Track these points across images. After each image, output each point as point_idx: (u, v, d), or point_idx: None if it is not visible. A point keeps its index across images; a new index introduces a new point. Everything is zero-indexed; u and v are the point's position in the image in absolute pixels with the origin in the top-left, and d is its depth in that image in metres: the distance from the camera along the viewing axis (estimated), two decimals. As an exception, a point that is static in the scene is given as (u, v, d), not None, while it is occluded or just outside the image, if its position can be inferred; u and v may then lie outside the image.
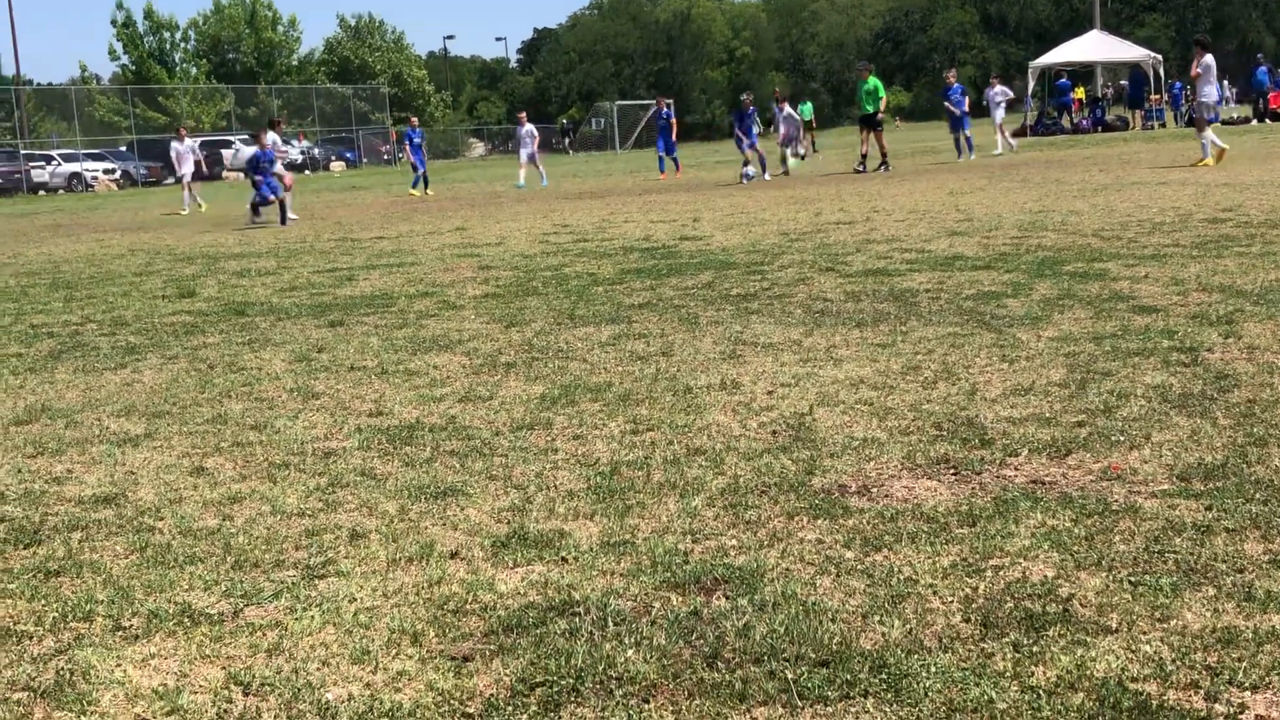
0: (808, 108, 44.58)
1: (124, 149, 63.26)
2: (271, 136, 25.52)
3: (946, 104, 31.23)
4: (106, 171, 58.03)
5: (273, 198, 22.32)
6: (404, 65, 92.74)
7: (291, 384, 7.35)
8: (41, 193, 54.84)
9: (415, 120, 36.59)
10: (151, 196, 42.91)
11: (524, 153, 32.91)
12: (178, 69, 78.38)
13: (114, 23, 76.92)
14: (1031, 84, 47.73)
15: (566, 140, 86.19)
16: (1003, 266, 10.30)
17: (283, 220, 22.25)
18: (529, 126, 33.12)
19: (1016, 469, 4.81)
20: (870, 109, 27.55)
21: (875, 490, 4.64)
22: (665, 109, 32.94)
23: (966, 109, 30.92)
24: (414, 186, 32.47)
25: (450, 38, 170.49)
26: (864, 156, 27.52)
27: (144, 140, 64.96)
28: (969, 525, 4.21)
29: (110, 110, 70.96)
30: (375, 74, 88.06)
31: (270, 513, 4.82)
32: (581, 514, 4.58)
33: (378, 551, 4.30)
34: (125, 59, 77.59)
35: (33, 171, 56.43)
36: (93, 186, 56.74)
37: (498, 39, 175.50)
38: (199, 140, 34.46)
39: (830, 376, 6.59)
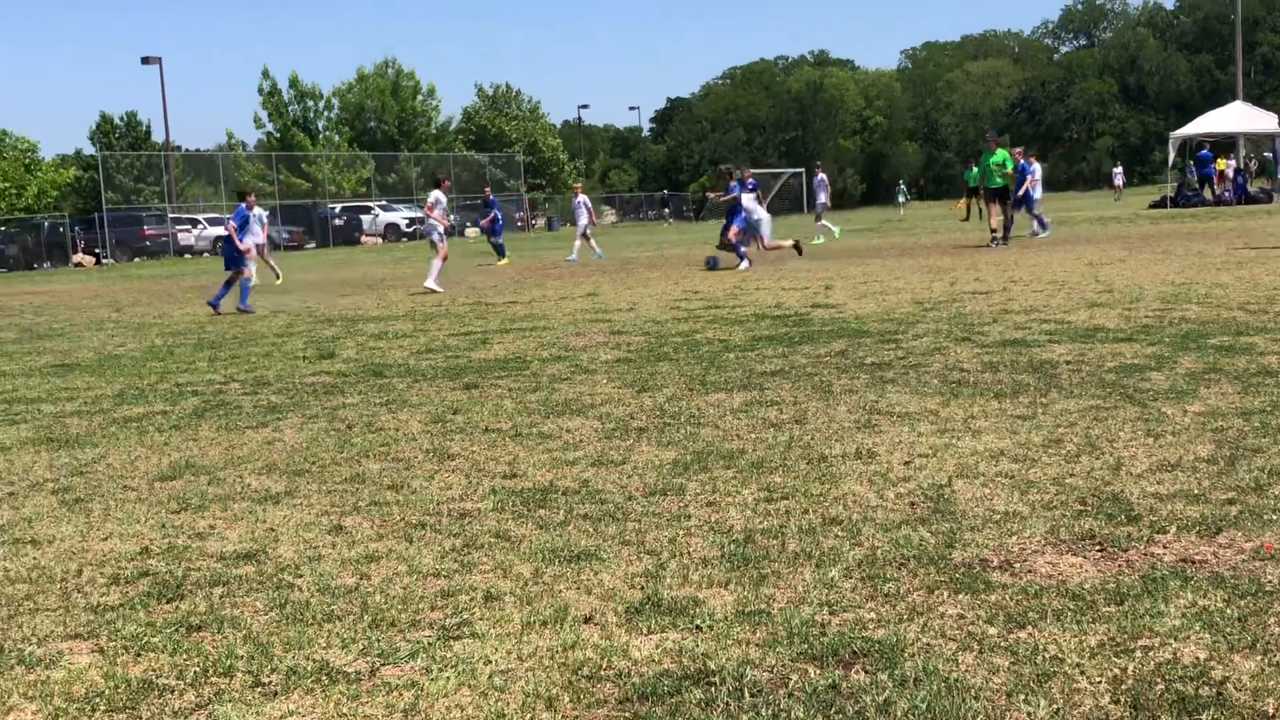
0: (972, 173, 44.14)
1: (267, 214, 64.96)
2: (253, 209, 22.67)
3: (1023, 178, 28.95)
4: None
5: (237, 268, 19.75)
6: (539, 134, 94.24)
7: (427, 445, 7.43)
8: (187, 255, 56.56)
9: (489, 190, 36.63)
10: (294, 261, 43.97)
11: (580, 224, 32.48)
12: (320, 136, 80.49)
13: (260, 91, 79.40)
14: (1172, 155, 46.90)
15: (667, 210, 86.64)
16: (1145, 339, 10.07)
17: (216, 298, 19.55)
18: (583, 198, 33.07)
19: (1165, 546, 4.67)
20: (1000, 182, 26.39)
21: (1018, 565, 4.53)
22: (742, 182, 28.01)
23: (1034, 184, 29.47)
24: (502, 257, 32.48)
25: (585, 107, 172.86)
26: (993, 230, 26.30)
27: (286, 205, 66.71)
28: (1116, 603, 4.08)
29: (255, 176, 73.03)
30: (511, 142, 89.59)
31: (407, 572, 4.85)
32: (716, 582, 4.53)
33: (512, 614, 4.30)
34: (270, 126, 79.95)
35: (179, 234, 58.23)
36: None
37: (631, 108, 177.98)
38: (263, 210, 31.73)
39: (969, 448, 6.47)
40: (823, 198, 34.03)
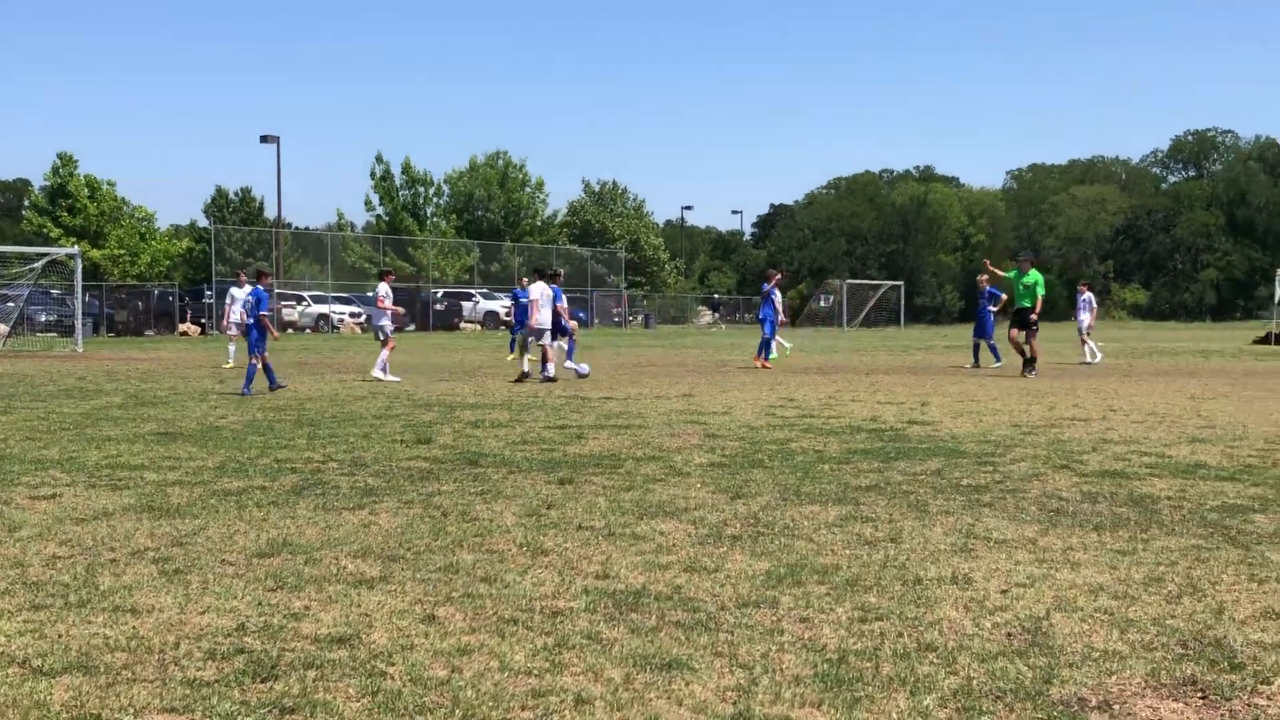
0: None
1: (371, 295, 65.96)
2: (381, 286, 23.23)
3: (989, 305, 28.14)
4: (353, 315, 60.73)
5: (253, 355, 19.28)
6: (642, 231, 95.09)
7: (521, 538, 7.47)
8: (290, 331, 57.57)
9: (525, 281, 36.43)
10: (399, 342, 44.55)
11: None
12: (428, 222, 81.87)
13: (372, 175, 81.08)
14: (1279, 290, 46.23)
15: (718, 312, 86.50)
16: (1249, 479, 9.89)
17: (246, 384, 19.02)
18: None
19: (1269, 699, 4.56)
20: (1027, 303, 24.59)
21: (1117, 707, 4.45)
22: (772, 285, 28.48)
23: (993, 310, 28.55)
24: (511, 349, 31.72)
25: (688, 208, 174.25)
26: (1026, 359, 24.24)
27: (391, 288, 67.80)
28: (1218, 755, 3.99)
29: (361, 257, 74.43)
30: (614, 238, 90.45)
31: (498, 669, 4.87)
32: (809, 701, 4.50)
33: (602, 719, 4.29)
34: (380, 209, 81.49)
35: (284, 310, 59.31)
36: (339, 328, 59.36)
37: (734, 212, 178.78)
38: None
39: (1067, 580, 6.38)
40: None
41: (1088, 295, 31.09)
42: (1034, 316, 24.53)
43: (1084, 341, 30.28)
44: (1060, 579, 6.42)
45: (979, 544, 7.34)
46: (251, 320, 19.67)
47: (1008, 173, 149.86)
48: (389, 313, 23.21)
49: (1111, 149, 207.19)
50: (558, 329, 22.82)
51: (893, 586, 6.25)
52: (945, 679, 4.75)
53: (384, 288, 23.52)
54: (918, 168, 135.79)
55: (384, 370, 22.18)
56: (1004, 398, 18.33)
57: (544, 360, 22.04)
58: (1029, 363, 24.22)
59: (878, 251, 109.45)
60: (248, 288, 27.76)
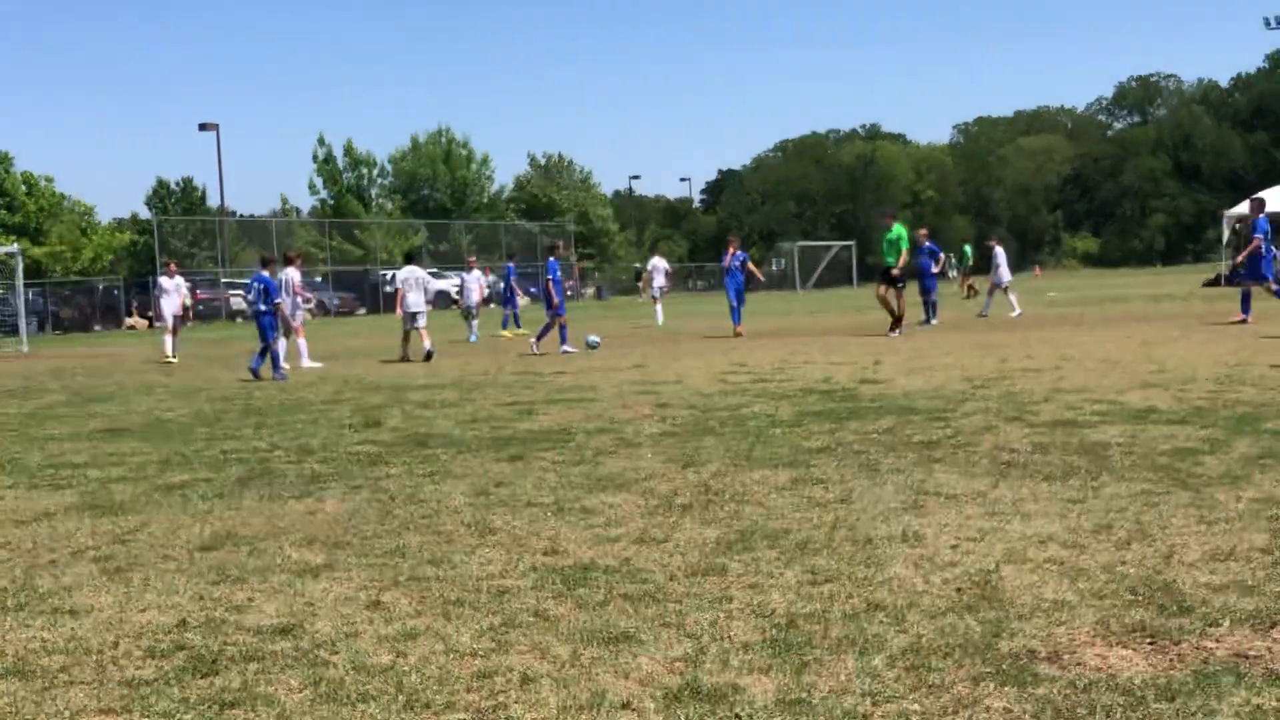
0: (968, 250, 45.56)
1: (319, 280, 65.55)
2: (289, 271, 22.11)
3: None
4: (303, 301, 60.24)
5: (268, 340, 19.87)
6: (590, 204, 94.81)
7: (469, 518, 7.39)
8: (239, 319, 57.07)
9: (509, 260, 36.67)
10: (343, 326, 44.35)
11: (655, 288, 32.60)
12: (373, 203, 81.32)
13: (315, 158, 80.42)
14: (1226, 234, 46.63)
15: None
16: (1199, 421, 9.92)
17: (275, 369, 19.64)
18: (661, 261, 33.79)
19: (1218, 640, 4.54)
20: (890, 261, 24.27)
21: (1067, 657, 4.42)
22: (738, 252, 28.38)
23: (935, 271, 29.13)
24: (504, 327, 32.33)
25: (636, 178, 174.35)
26: (894, 317, 23.87)
27: (339, 272, 67.38)
28: (1167, 700, 3.97)
29: (308, 242, 73.81)
30: (562, 211, 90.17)
31: (443, 651, 4.80)
32: (757, 668, 4.45)
33: (548, 698, 4.23)
34: (324, 193, 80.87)
35: (232, 299, 58.80)
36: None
37: (682, 179, 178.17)
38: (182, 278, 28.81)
39: (1018, 532, 6.36)
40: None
41: (999, 250, 31.48)
42: (896, 272, 24.19)
43: (1003, 293, 30.86)
44: (1011, 531, 6.40)
45: (930, 500, 7.31)
46: (264, 307, 20.05)
47: (954, 127, 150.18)
48: (301, 299, 22.82)
49: (1057, 99, 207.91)
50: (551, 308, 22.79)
51: (843, 547, 6.20)
52: (894, 638, 4.71)
53: (292, 272, 22.29)
54: (864, 126, 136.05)
55: (308, 358, 21.79)
56: (956, 352, 18.36)
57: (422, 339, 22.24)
58: (896, 321, 23.83)
59: (827, 213, 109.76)
60: (178, 279, 27.58)
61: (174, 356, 25.42)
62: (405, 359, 22.42)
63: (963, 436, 9.74)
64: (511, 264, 34.89)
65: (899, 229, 24.51)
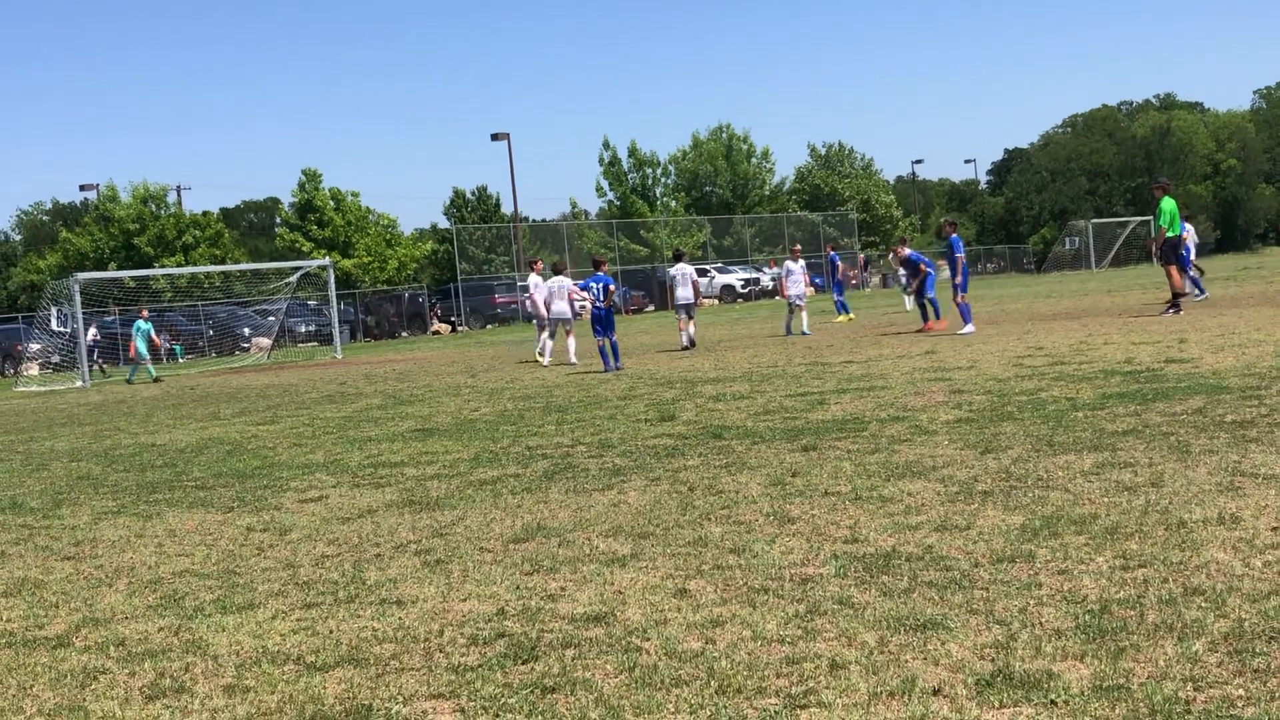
0: None
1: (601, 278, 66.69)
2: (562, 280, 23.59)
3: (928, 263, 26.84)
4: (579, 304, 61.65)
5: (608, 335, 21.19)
6: (872, 191, 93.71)
7: (768, 508, 7.47)
8: (533, 321, 58.74)
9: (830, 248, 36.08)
10: (634, 324, 45.18)
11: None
12: (658, 203, 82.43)
13: (601, 161, 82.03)
14: None
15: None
16: None
17: (609, 364, 20.87)
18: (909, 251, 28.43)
19: None
20: (1169, 235, 23.20)
21: (1407, 643, 4.19)
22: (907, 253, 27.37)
23: (935, 269, 26.92)
24: (842, 314, 32.39)
25: (919, 162, 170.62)
26: (1174, 295, 22.78)
27: (627, 270, 68.60)
28: None
29: (597, 243, 75.41)
30: (844, 200, 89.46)
31: (751, 638, 4.88)
32: (1070, 654, 4.37)
33: (859, 683, 4.26)
34: (611, 195, 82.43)
35: (528, 302, 60.46)
36: (579, 315, 60.32)
37: (966, 161, 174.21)
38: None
39: (1345, 513, 6.04)
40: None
41: (1188, 227, 28.21)
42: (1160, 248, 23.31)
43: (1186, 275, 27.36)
44: (1338, 512, 6.08)
45: (1246, 481, 7.01)
46: (601, 304, 21.96)
47: (1255, 92, 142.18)
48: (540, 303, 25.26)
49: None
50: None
51: (1155, 532, 6.01)
52: (1215, 623, 4.55)
53: (534, 278, 24.73)
54: (1158, 96, 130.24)
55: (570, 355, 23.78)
56: (1268, 327, 17.45)
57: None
58: (1174, 299, 22.55)
59: (1122, 187, 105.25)
60: (560, 275, 27.58)
61: (545, 358, 25.49)
62: (686, 346, 25.04)
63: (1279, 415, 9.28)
64: (835, 252, 35.07)
65: (1167, 201, 23.35)
